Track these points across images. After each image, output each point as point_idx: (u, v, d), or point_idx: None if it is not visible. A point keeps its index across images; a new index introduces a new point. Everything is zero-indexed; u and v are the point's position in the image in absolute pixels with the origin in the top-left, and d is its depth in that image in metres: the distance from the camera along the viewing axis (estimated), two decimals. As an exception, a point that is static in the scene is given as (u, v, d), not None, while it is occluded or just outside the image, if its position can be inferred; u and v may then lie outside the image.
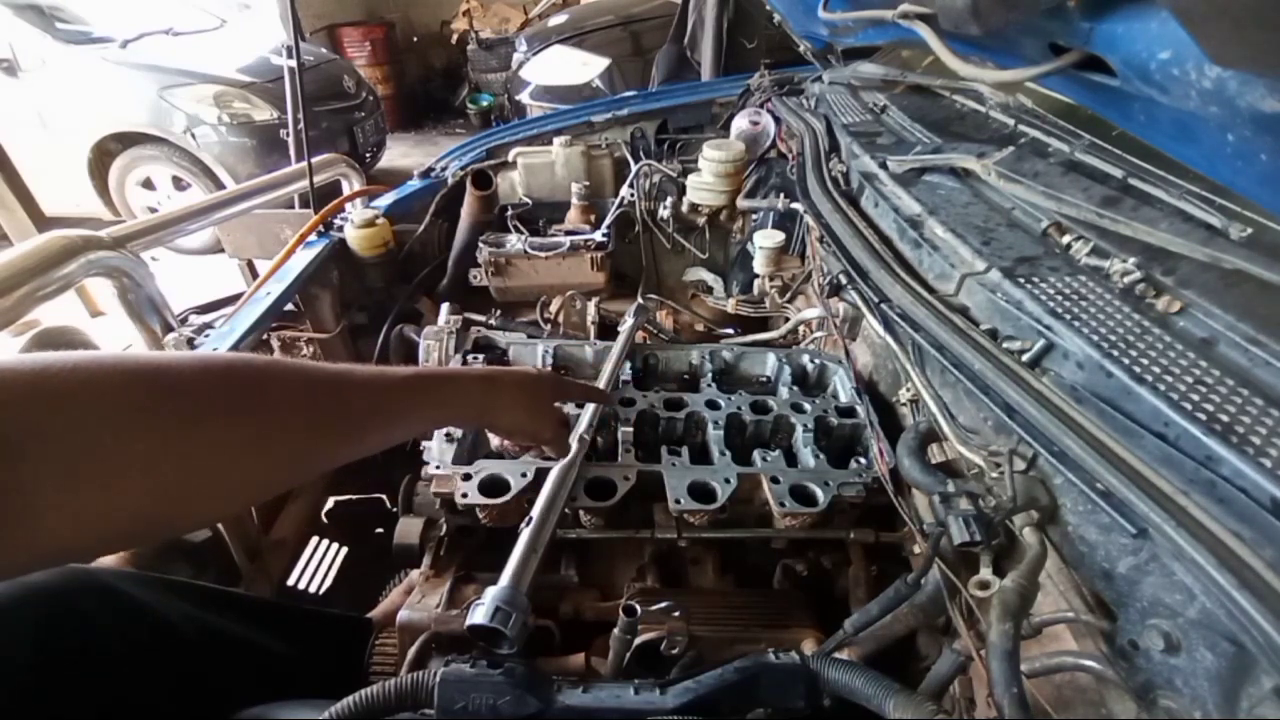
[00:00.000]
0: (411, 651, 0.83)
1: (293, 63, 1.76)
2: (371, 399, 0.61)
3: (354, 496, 1.61)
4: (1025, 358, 0.74)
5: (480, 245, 1.62)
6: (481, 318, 1.47)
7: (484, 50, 6.90)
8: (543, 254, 1.61)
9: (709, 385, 1.09)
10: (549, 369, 1.13)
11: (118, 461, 0.42)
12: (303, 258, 1.50)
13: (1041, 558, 0.64)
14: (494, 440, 0.97)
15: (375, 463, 0.67)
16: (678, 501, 0.86)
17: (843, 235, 1.08)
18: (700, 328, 1.62)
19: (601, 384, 1.01)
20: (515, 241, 1.63)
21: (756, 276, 1.51)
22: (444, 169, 1.91)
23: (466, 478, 0.87)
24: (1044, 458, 0.66)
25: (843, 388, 1.10)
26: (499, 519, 0.87)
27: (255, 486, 0.54)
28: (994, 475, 0.71)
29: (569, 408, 1.01)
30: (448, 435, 0.94)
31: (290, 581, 1.37)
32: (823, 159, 1.36)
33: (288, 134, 3.78)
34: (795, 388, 1.10)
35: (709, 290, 1.76)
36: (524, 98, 5.03)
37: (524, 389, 0.79)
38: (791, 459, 0.97)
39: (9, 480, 0.37)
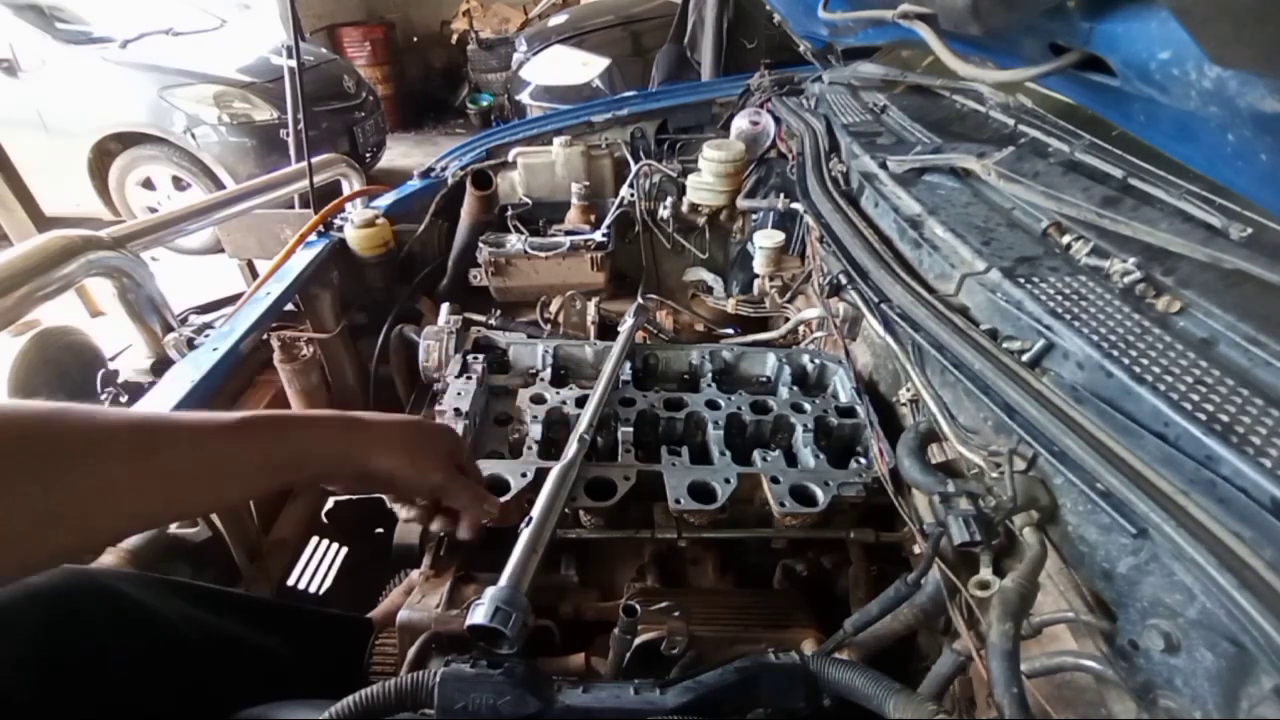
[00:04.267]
0: (411, 651, 0.82)
1: (293, 63, 1.76)
2: (193, 448, 0.54)
3: (354, 496, 1.61)
4: (1025, 358, 0.74)
5: (480, 245, 1.62)
6: (481, 318, 1.47)
7: (484, 50, 6.91)
8: (543, 254, 1.61)
9: (709, 385, 1.09)
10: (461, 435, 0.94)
11: None
12: (303, 258, 1.50)
13: (1041, 558, 0.64)
14: (400, 511, 0.77)
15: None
16: (678, 501, 0.86)
17: (843, 235, 1.08)
18: (700, 328, 1.62)
19: (601, 384, 1.00)
20: (515, 241, 1.63)
21: (756, 276, 1.51)
22: (444, 169, 1.91)
23: (466, 478, 0.87)
24: (1044, 458, 0.66)
25: (843, 388, 1.10)
26: (499, 519, 0.87)
27: (42, 553, 0.48)
28: (994, 475, 0.71)
29: (569, 408, 1.01)
30: None
31: (290, 581, 1.38)
32: (823, 159, 1.36)
33: (288, 134, 3.78)
34: (795, 388, 1.10)
35: (709, 290, 1.76)
36: (524, 98, 5.03)
37: (401, 430, 0.68)
38: (791, 459, 0.97)
39: None
